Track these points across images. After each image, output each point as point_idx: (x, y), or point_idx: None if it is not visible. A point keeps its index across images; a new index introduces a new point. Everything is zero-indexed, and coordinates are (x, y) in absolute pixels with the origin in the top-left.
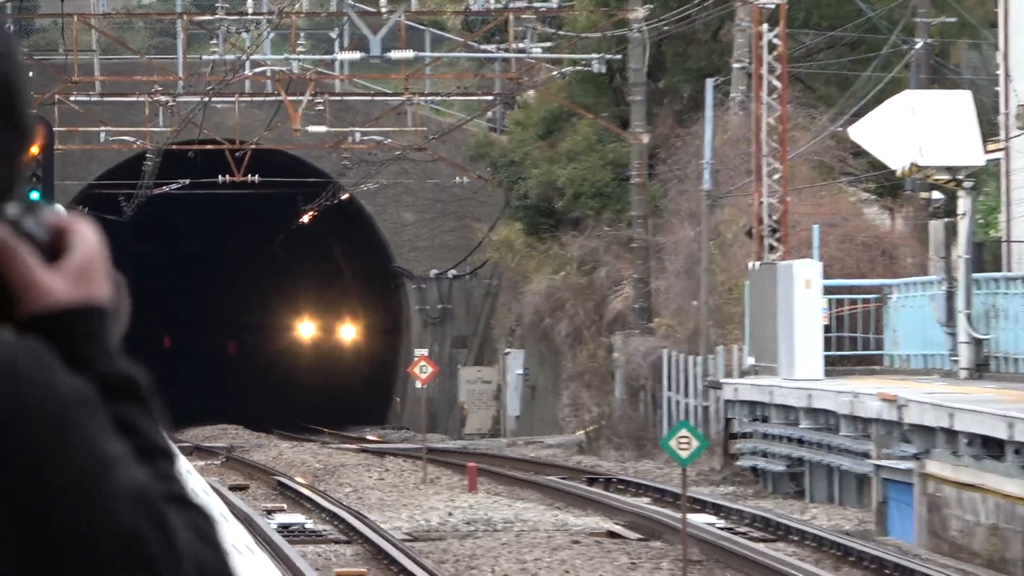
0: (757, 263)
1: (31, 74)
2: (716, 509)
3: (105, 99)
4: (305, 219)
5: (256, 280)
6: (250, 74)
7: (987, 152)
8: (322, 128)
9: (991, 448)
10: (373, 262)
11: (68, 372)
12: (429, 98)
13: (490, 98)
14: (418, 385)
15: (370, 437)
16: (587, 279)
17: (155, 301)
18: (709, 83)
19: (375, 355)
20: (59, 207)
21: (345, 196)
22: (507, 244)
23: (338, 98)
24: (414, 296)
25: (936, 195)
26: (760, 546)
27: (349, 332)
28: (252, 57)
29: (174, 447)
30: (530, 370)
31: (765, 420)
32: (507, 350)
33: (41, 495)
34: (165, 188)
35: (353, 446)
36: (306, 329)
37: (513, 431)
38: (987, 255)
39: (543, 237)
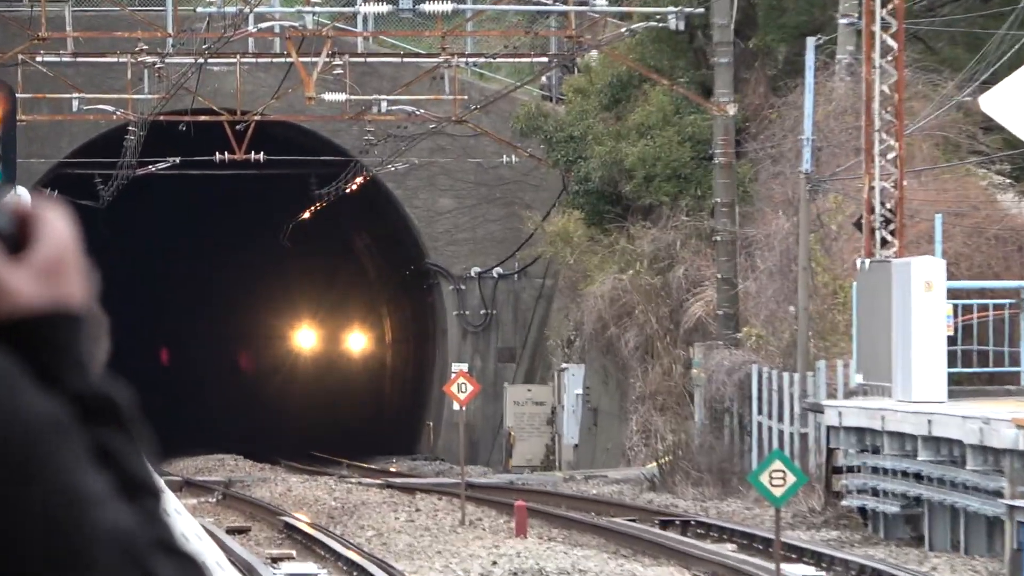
0: (867, 261)
1: None
2: (816, 558)
3: (79, 59)
4: (319, 206)
5: (261, 279)
6: (254, 30)
7: None
8: (341, 96)
9: None
10: (401, 258)
11: (38, 391)
12: (470, 60)
13: (544, 60)
14: (456, 407)
15: (393, 469)
16: (661, 279)
17: (135, 303)
18: (810, 43)
19: (404, 370)
20: (22, 190)
21: (368, 178)
22: (564, 237)
23: (361, 60)
24: (452, 299)
25: None
26: None
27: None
28: (257, 9)
29: (160, 482)
30: (592, 389)
31: (876, 451)
32: (564, 365)
33: (7, 539)
34: (150, 167)
35: (377, 481)
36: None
37: (570, 463)
38: None
39: (608, 228)
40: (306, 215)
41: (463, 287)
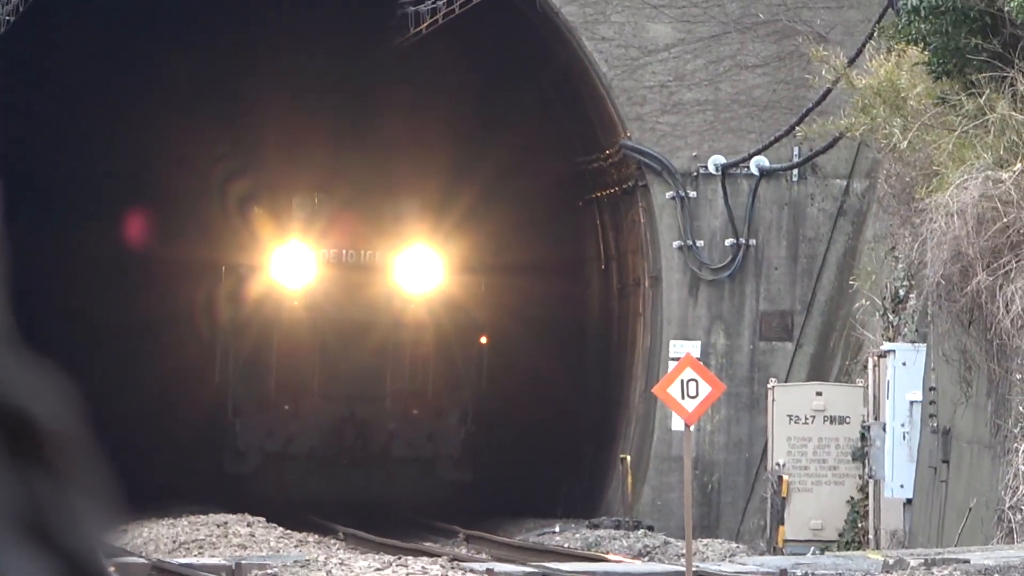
0: None
1: None
2: None
3: None
4: (423, 29)
5: (340, 153)
6: None
7: None
8: None
9: None
10: (575, 137)
11: None
12: None
13: None
14: (677, 425)
15: (556, 543)
16: None
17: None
18: None
19: (574, 353)
20: None
21: None
22: (890, 97)
23: None
24: (670, 216)
25: None
26: None
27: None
28: None
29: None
30: (940, 394)
31: None
32: (885, 347)
33: None
34: None
35: (525, 568)
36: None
37: (896, 536)
38: None
39: (974, 81)
40: (402, 41)
41: (692, 193)
